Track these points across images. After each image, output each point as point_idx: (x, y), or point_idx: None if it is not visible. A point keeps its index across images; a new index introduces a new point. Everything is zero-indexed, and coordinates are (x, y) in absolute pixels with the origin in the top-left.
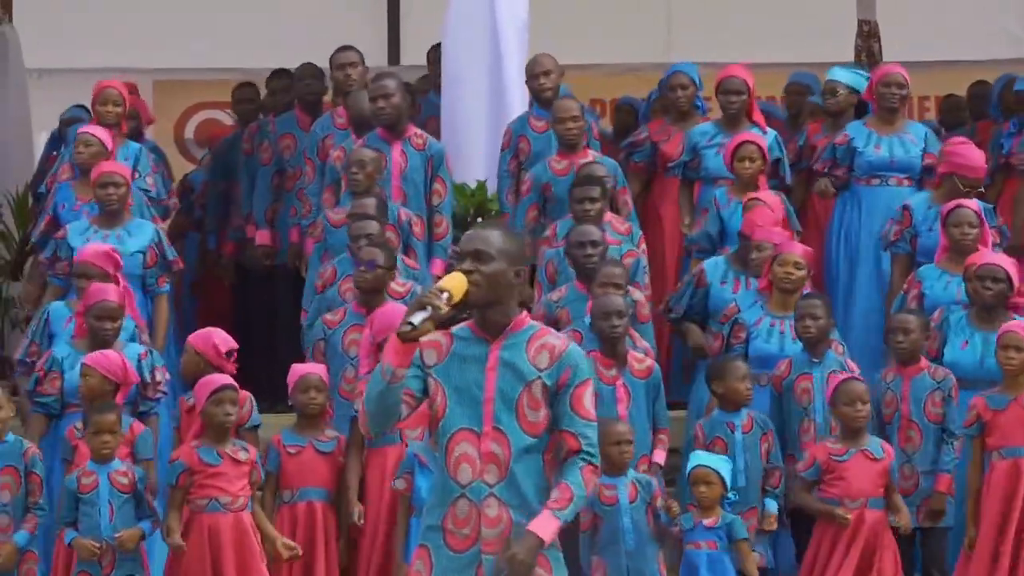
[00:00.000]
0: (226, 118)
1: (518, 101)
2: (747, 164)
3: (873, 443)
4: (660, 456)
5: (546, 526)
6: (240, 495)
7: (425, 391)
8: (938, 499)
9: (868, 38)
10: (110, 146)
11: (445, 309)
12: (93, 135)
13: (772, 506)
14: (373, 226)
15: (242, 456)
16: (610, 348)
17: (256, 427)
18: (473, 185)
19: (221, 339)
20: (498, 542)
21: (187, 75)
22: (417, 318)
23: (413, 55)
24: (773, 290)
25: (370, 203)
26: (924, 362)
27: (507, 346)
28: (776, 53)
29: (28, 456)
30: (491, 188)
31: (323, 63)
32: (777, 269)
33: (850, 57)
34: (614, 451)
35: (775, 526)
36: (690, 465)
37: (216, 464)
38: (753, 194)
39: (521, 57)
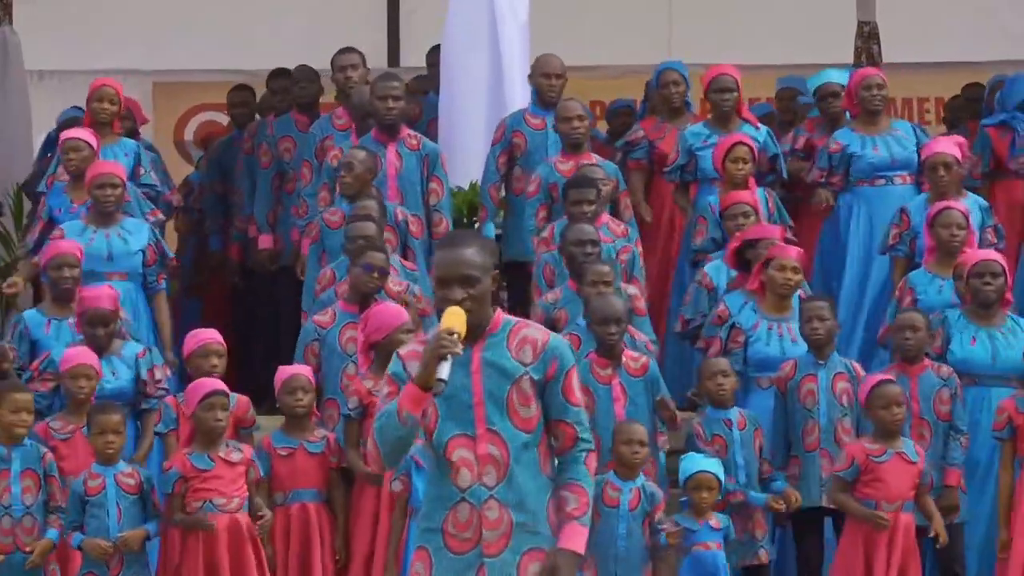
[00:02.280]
0: (226, 119)
1: (518, 103)
2: (740, 166)
3: (908, 446)
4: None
5: (578, 539)
6: (235, 496)
7: None
8: (949, 494)
9: (868, 39)
10: (96, 147)
11: (460, 350)
12: (82, 140)
13: (783, 485)
14: (371, 228)
15: (235, 457)
16: (607, 351)
17: (255, 430)
18: (466, 187)
19: None
20: (499, 543)
21: (187, 76)
22: (445, 372)
23: (413, 57)
24: (767, 293)
25: (372, 205)
26: (927, 360)
27: (488, 347)
28: (776, 54)
29: (46, 461)
30: None
31: (322, 64)
32: (775, 274)
33: (850, 58)
34: (626, 451)
35: (794, 502)
36: (691, 470)
37: (209, 468)
38: (740, 199)
39: (521, 59)
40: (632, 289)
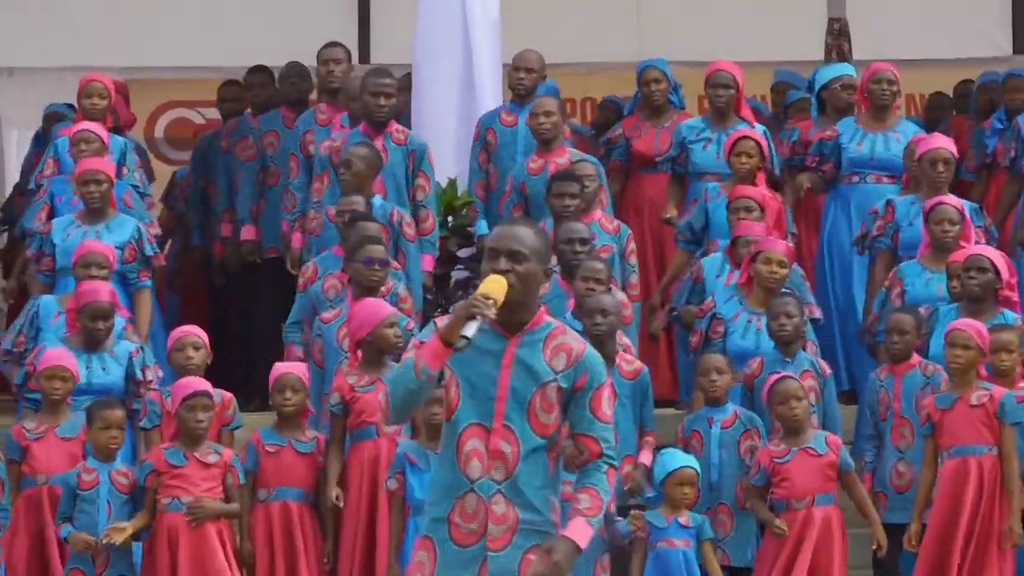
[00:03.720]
0: (197, 116)
1: (490, 100)
2: (744, 160)
3: (817, 439)
4: (646, 457)
5: (582, 533)
6: (203, 497)
7: (442, 377)
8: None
9: (838, 36)
10: (107, 142)
11: (493, 315)
12: (93, 132)
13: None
14: (375, 227)
15: (211, 459)
16: (596, 346)
17: (235, 428)
18: (443, 183)
19: None
20: (503, 538)
21: (157, 73)
22: (471, 330)
23: (383, 54)
24: (754, 287)
25: (359, 201)
26: (915, 358)
27: (524, 344)
28: (746, 50)
29: None
30: (461, 185)
31: (291, 60)
32: (761, 268)
33: (820, 55)
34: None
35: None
36: (673, 465)
37: (181, 465)
38: (745, 193)
39: (493, 56)
40: (620, 295)
